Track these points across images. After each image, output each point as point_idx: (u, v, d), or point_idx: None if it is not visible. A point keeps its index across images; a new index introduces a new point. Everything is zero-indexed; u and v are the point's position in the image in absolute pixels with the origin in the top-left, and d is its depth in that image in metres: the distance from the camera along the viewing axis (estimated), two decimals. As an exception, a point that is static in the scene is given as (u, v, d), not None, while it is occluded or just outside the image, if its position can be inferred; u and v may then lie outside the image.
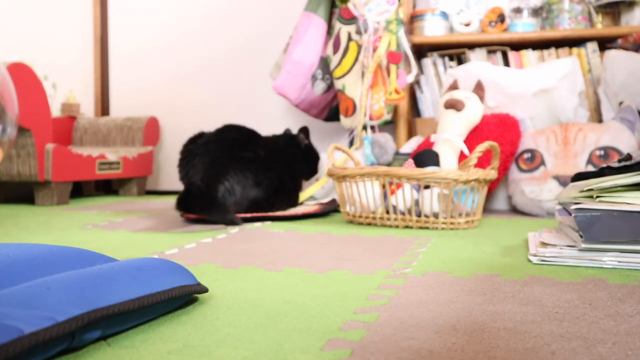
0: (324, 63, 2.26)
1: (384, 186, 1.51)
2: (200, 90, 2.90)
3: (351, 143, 2.25)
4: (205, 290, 0.75)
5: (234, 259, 1.04)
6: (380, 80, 2.15)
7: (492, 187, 1.86)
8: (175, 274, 0.72)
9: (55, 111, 2.84)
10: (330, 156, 1.64)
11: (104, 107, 3.04)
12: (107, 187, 2.96)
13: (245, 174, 1.68)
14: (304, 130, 1.98)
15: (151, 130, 2.80)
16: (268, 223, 1.58)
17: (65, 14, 2.94)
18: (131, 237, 1.33)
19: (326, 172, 1.62)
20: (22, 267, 0.66)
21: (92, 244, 1.23)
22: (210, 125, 1.84)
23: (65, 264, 0.71)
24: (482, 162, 1.76)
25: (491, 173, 1.48)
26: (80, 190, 2.76)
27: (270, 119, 2.71)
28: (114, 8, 3.03)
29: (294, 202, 1.86)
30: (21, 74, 2.04)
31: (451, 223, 1.45)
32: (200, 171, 1.67)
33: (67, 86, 2.88)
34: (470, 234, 1.37)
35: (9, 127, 1.85)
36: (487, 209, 1.92)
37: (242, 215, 1.60)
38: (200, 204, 1.38)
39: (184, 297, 0.71)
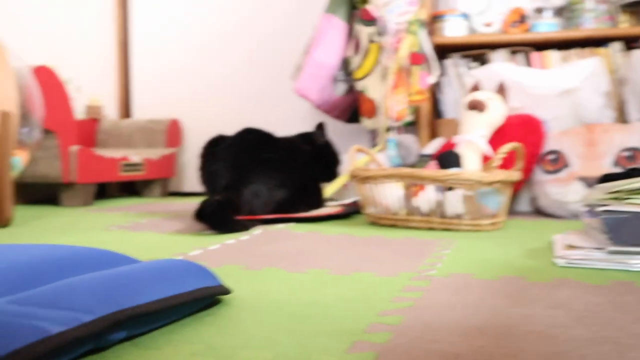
0: (345, 64, 2.25)
1: (406, 188, 1.50)
2: (222, 91, 2.91)
3: (374, 145, 2.24)
4: (228, 291, 0.75)
5: (257, 261, 1.04)
6: (402, 81, 2.14)
7: (517, 188, 1.84)
8: (198, 275, 0.72)
9: (79, 114, 2.87)
10: (352, 158, 1.64)
11: (126, 109, 3.06)
12: (131, 189, 2.97)
13: (270, 174, 1.68)
14: (320, 127, 1.96)
15: (173, 132, 2.81)
16: (291, 224, 1.58)
17: (88, 17, 2.97)
18: (155, 239, 1.34)
19: (348, 172, 1.61)
20: (48, 267, 0.67)
21: (116, 245, 1.24)
22: (233, 126, 1.84)
23: (90, 265, 0.72)
24: (506, 164, 1.74)
25: (515, 174, 1.46)
26: (104, 191, 2.78)
27: (293, 121, 2.70)
28: (136, 11, 3.05)
29: (317, 203, 1.86)
30: (46, 77, 2.07)
31: (475, 225, 1.43)
32: (225, 175, 1.67)
33: (91, 89, 2.91)
34: (495, 236, 1.35)
35: (35, 129, 1.87)
36: (511, 211, 1.89)
37: (266, 217, 1.60)
38: (211, 223, 1.38)
39: (207, 298, 0.71)
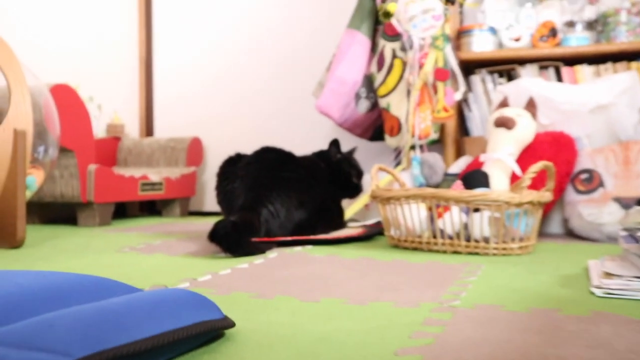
0: (368, 81, 2.19)
1: (430, 209, 1.43)
2: (244, 110, 2.88)
3: (398, 164, 2.17)
4: (231, 325, 0.69)
5: (269, 288, 0.98)
6: (427, 98, 2.07)
7: (547, 209, 1.75)
8: (198, 307, 0.66)
9: (101, 132, 2.85)
10: (373, 177, 1.57)
11: (148, 127, 3.04)
12: (151, 208, 2.95)
13: (288, 194, 1.62)
14: (334, 144, 1.89)
15: (194, 150, 2.78)
16: (310, 247, 1.52)
17: (111, 36, 2.97)
18: (166, 262, 1.28)
19: (369, 193, 1.54)
20: (34, 298, 0.61)
21: (125, 268, 1.19)
22: (255, 145, 1.79)
23: (81, 295, 0.66)
24: (536, 184, 1.66)
25: (546, 195, 1.38)
26: (124, 210, 2.75)
27: (314, 140, 2.65)
28: (158, 30, 3.04)
29: (338, 224, 1.79)
30: (65, 95, 2.05)
31: (503, 249, 1.35)
32: (242, 194, 1.61)
33: (112, 107, 2.90)
34: (524, 261, 1.27)
35: (51, 147, 1.85)
36: (541, 233, 1.80)
37: (283, 239, 1.54)
38: (225, 246, 1.32)
39: (207, 333, 0.65)
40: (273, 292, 0.95)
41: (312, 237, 1.59)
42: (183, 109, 2.99)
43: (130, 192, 2.33)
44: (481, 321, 0.75)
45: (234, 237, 1.34)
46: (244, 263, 1.24)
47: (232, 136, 2.86)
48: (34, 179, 1.73)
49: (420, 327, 0.73)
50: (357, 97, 2.18)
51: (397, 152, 2.13)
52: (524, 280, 1.04)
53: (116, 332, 0.54)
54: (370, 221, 2.03)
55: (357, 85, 2.17)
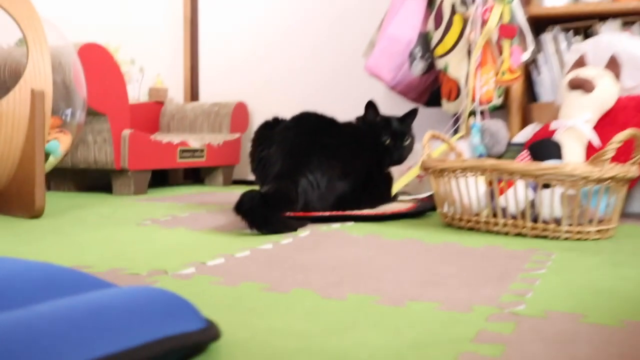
0: (424, 40, 1.97)
1: (491, 183, 1.22)
2: (293, 75, 2.70)
3: (456, 131, 1.95)
4: (214, 336, 0.52)
5: (288, 277, 0.81)
6: (490, 58, 1.84)
7: (631, 185, 1.51)
8: (174, 315, 0.49)
9: (143, 96, 2.73)
10: (425, 145, 1.37)
11: (193, 92, 2.90)
12: (196, 176, 2.82)
13: (331, 162, 1.44)
14: (371, 106, 1.63)
15: (239, 116, 2.62)
16: (350, 224, 1.34)
17: (154, -5, 2.83)
18: (183, 238, 1.13)
19: (420, 164, 1.34)
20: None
21: (135, 245, 1.04)
22: (303, 110, 1.60)
23: (38, 293, 0.51)
24: (618, 156, 1.42)
25: (632, 169, 1.15)
26: (165, 178, 2.64)
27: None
28: (203, -12, 2.88)
29: (385, 198, 1.60)
30: (96, 55, 1.92)
31: (578, 232, 1.14)
32: (279, 162, 1.44)
33: (155, 70, 2.77)
34: (605, 248, 1.05)
35: (78, 110, 1.72)
36: (623, 213, 1.56)
37: (321, 214, 1.36)
38: (251, 221, 1.15)
39: (184, 349, 0.48)
40: (291, 283, 0.78)
41: (354, 212, 1.41)
42: (230, 74, 2.83)
43: (168, 159, 2.20)
44: (556, 338, 0.56)
45: (261, 212, 1.18)
46: (268, 242, 1.07)
47: (280, 102, 2.69)
48: (58, 143, 1.61)
49: (470, 344, 0.54)
50: (412, 57, 1.97)
51: (455, 118, 1.91)
52: (608, 276, 0.83)
53: (49, 351, 0.38)
54: (423, 195, 1.83)
55: (412, 44, 1.95)
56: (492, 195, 1.22)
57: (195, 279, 0.80)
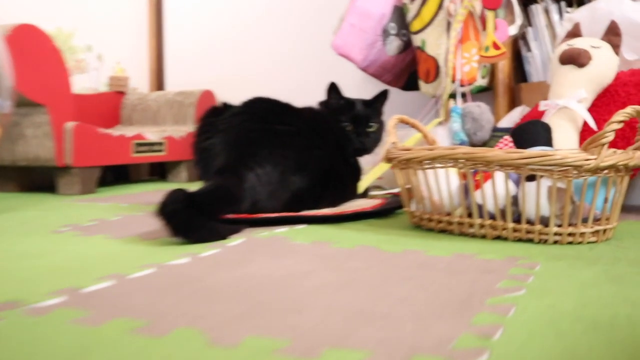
0: (399, 14, 1.76)
1: (464, 176, 1.01)
2: (263, 59, 2.48)
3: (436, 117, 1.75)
4: None
5: (180, 308, 0.60)
6: (473, 33, 1.63)
7: (633, 175, 1.30)
8: None
9: (103, 86, 2.52)
10: (391, 132, 1.16)
11: (158, 80, 2.70)
12: (163, 172, 2.61)
13: (284, 153, 1.23)
14: (332, 89, 1.45)
15: (206, 106, 2.40)
16: (301, 227, 1.13)
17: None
18: (88, 250, 0.92)
19: (383, 154, 1.14)
20: None
21: (24, 261, 0.84)
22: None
23: None
24: (617, 140, 1.21)
25: (636, 156, 0.94)
26: (126, 174, 2.43)
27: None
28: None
29: (349, 194, 1.40)
30: (31, 38, 1.70)
31: (569, 235, 0.93)
32: (222, 153, 1.24)
33: (115, 57, 2.56)
34: (603, 255, 0.85)
35: (4, 100, 1.51)
36: (624, 207, 1.36)
37: (270, 215, 1.16)
38: (172, 226, 0.95)
39: None
40: (178, 319, 0.57)
41: (308, 212, 1.20)
42: (198, 63, 2.63)
43: (120, 155, 1.99)
44: None
45: (185, 215, 0.97)
46: (185, 255, 0.87)
47: (250, 90, 2.47)
48: (-25, 138, 1.40)
49: None
50: (385, 34, 1.76)
51: (434, 101, 1.71)
52: (607, 298, 0.63)
53: None
54: (397, 189, 1.63)
55: (385, 19, 1.74)
56: (466, 191, 1.01)
57: (53, 314, 0.59)
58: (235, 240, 0.98)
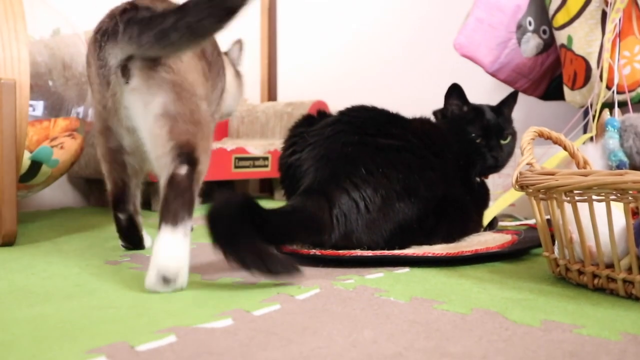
0: (538, 5, 1.45)
1: (635, 213, 0.71)
2: (385, 73, 2.25)
3: (585, 132, 1.41)
4: None
5: None
6: (637, 25, 1.30)
7: None
8: None
9: (210, 97, 2.40)
10: (526, 149, 0.87)
11: (270, 92, 2.54)
12: (271, 189, 2.44)
13: (388, 173, 0.98)
14: (453, 91, 1.18)
15: (317, 118, 2.22)
16: (402, 271, 0.87)
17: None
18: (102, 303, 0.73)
19: (514, 179, 0.85)
20: None
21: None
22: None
23: None
24: None
25: None
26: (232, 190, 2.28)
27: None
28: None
29: (471, 226, 1.11)
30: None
31: None
32: (311, 170, 1.01)
33: (225, 67, 2.43)
34: None
35: (90, 108, 1.41)
36: None
37: (363, 253, 0.91)
38: (216, 236, 0.72)
39: None
40: None
41: (413, 252, 0.94)
42: (308, 71, 2.45)
43: (220, 170, 1.83)
44: None
45: (233, 226, 0.74)
46: (226, 315, 0.63)
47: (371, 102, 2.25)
48: (50, 150, 1.28)
49: None
50: (521, 30, 1.46)
51: (584, 112, 1.38)
52: None
53: None
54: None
55: (520, 12, 1.45)
56: (638, 234, 0.70)
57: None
58: (307, 291, 0.73)
